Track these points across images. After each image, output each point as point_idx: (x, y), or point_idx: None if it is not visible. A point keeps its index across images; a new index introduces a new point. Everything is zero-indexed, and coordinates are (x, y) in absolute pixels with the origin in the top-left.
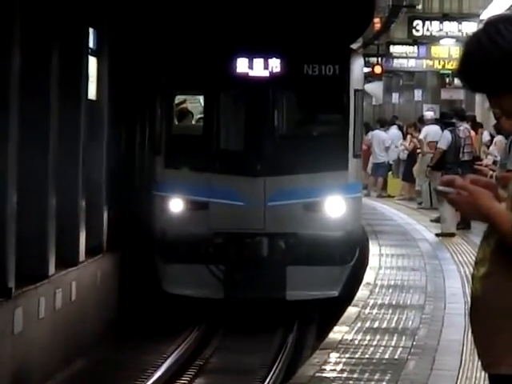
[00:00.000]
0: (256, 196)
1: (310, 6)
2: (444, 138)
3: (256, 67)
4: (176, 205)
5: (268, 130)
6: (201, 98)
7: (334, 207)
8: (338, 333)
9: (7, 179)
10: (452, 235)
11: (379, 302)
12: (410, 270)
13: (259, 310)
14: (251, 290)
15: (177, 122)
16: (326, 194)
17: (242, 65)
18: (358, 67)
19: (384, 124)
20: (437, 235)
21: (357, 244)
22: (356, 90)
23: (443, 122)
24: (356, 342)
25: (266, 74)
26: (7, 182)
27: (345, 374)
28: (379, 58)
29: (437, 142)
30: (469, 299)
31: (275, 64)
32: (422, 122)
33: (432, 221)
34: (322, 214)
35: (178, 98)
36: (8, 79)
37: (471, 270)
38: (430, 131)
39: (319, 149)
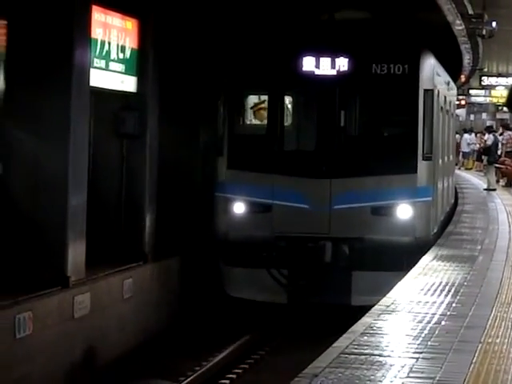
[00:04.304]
0: (321, 198)
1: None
2: (489, 139)
3: (323, 66)
4: (238, 207)
5: (334, 130)
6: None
7: (403, 211)
8: None
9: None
10: (494, 190)
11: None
12: (479, 208)
13: (323, 317)
14: (315, 296)
15: (258, 122)
16: (394, 198)
17: (308, 64)
18: (427, 66)
19: (467, 131)
20: (484, 189)
21: (425, 250)
22: (426, 90)
23: (490, 130)
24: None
25: (333, 72)
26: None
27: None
28: (464, 96)
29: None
30: None
31: (342, 63)
32: (487, 129)
33: (484, 189)
34: (390, 218)
35: (253, 99)
36: None
37: None
38: (490, 135)
39: (387, 150)
